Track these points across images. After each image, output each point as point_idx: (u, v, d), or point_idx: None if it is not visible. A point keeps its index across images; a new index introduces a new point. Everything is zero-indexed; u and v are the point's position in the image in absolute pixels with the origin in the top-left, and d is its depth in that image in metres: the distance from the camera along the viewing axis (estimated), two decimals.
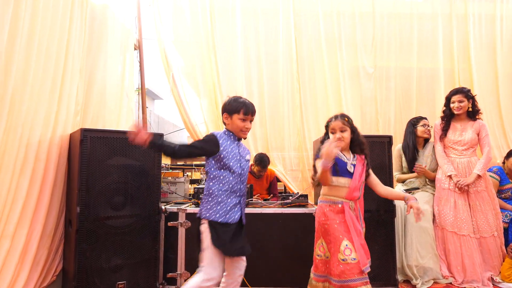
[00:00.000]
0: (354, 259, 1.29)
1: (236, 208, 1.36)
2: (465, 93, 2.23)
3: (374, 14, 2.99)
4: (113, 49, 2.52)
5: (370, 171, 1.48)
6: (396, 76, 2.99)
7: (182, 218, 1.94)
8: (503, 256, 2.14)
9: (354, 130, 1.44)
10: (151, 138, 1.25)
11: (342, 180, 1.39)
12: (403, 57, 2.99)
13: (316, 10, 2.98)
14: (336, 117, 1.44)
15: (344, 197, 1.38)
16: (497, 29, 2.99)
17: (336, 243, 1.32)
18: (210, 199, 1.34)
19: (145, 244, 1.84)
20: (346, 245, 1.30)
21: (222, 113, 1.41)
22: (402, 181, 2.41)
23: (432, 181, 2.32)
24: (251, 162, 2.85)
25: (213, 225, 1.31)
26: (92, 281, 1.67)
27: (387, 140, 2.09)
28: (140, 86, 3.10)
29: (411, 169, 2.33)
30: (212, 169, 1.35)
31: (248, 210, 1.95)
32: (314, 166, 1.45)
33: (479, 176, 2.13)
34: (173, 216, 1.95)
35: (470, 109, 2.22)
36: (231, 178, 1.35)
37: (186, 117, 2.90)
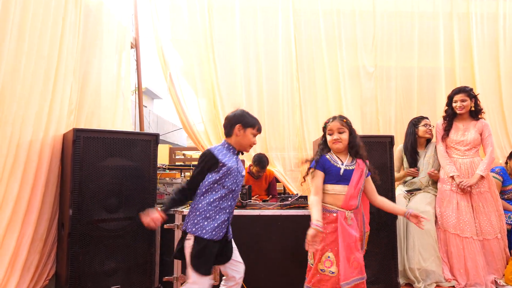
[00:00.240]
0: (333, 272, 1.27)
1: (224, 225, 1.31)
2: (468, 92, 2.19)
3: (374, 12, 2.95)
4: (108, 47, 2.47)
5: (369, 177, 1.41)
6: (397, 76, 2.95)
7: (178, 220, 1.89)
8: (506, 258, 2.10)
9: (351, 132, 1.39)
10: (163, 214, 1.27)
11: (338, 188, 1.33)
12: (404, 56, 2.96)
13: (316, 8, 2.95)
14: (334, 118, 1.40)
15: (340, 206, 1.32)
16: (499, 28, 2.95)
17: (319, 253, 1.29)
18: (197, 213, 1.29)
19: (140, 247, 1.79)
20: (329, 257, 1.27)
21: (234, 124, 1.35)
22: (398, 180, 2.37)
23: (435, 182, 2.28)
24: (250, 162, 2.81)
25: (198, 241, 1.26)
26: (85, 285, 1.62)
27: (389, 141, 2.04)
28: (137, 85, 3.05)
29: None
30: (206, 183, 1.30)
31: (246, 212, 1.92)
32: (308, 163, 1.42)
33: (482, 177, 2.09)
34: (170, 218, 1.90)
35: (473, 109, 2.19)
36: (223, 194, 1.30)
37: (184, 116, 2.85)
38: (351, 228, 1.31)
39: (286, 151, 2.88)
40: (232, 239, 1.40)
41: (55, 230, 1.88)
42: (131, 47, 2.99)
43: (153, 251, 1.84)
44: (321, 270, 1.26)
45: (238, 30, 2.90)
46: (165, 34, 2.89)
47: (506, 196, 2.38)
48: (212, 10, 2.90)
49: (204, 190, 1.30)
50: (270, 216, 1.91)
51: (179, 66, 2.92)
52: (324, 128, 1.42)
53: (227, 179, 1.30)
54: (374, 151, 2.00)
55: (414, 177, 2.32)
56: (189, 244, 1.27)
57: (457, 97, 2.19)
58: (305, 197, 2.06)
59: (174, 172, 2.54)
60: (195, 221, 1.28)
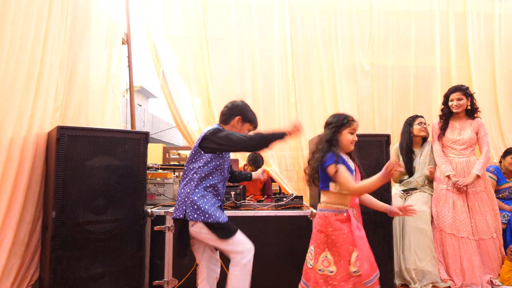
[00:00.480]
0: (332, 271, 1.27)
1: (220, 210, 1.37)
2: (464, 90, 2.18)
3: (371, 11, 2.93)
4: (97, 42, 2.37)
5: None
6: (393, 74, 2.94)
7: (169, 222, 1.82)
8: (502, 258, 2.09)
9: None
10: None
11: None
12: (401, 54, 2.94)
13: (312, 6, 2.91)
14: (354, 119, 1.35)
15: (349, 205, 1.32)
16: (495, 28, 2.96)
17: (347, 255, 1.26)
18: (201, 198, 1.31)
19: (128, 250, 1.72)
20: (357, 256, 1.25)
21: (234, 115, 1.37)
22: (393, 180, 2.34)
23: (431, 181, 2.26)
24: (244, 161, 2.75)
25: (212, 225, 1.28)
26: None
27: (385, 139, 2.02)
28: (129, 83, 2.96)
29: (407, 170, 2.27)
30: (205, 168, 1.31)
31: (241, 212, 1.87)
32: (308, 161, 1.38)
33: (478, 176, 2.08)
34: (160, 219, 1.84)
35: (469, 107, 2.18)
36: (220, 179, 1.35)
37: (177, 114, 2.78)
38: (360, 224, 1.34)
39: (281, 151, 2.83)
40: None
41: (39, 233, 1.79)
42: (123, 43, 2.90)
43: (143, 254, 1.77)
44: (354, 272, 1.24)
45: (233, 27, 2.84)
46: (158, 29, 2.81)
47: (500, 195, 2.38)
48: (207, 5, 2.83)
49: (203, 175, 1.32)
50: (265, 217, 1.86)
51: (172, 63, 2.84)
52: (341, 126, 1.32)
53: (225, 165, 1.37)
54: (370, 150, 1.97)
55: (410, 176, 2.29)
56: (197, 229, 1.28)
57: (453, 96, 2.18)
58: (300, 197, 2.02)
59: (166, 172, 2.46)
60: (199, 207, 1.29)
